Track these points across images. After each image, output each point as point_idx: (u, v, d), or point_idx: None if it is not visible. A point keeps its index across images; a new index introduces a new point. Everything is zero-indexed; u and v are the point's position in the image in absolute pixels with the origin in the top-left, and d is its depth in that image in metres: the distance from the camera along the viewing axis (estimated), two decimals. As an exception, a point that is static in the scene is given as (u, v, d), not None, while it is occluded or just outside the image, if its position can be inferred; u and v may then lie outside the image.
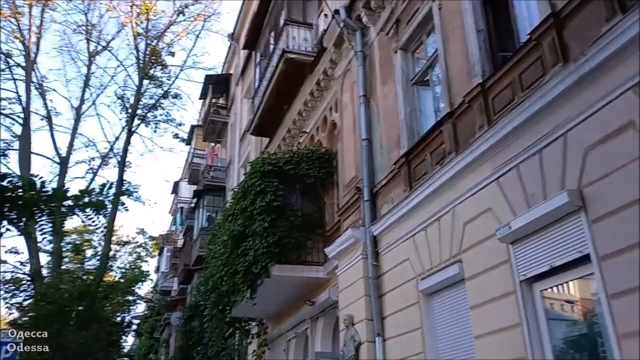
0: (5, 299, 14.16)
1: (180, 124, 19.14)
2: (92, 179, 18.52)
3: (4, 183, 4.44)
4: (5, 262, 15.11)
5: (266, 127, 12.58)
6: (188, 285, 21.89)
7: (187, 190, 28.03)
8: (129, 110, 17.83)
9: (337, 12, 8.79)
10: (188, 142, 25.61)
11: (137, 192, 19.50)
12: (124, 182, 17.66)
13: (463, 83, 5.84)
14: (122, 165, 17.48)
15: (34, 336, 13.71)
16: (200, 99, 23.36)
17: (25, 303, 14.42)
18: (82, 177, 19.03)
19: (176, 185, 30.28)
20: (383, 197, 7.46)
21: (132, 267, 32.73)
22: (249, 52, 17.54)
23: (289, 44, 10.58)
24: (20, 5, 17.23)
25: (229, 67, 21.97)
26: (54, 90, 23.05)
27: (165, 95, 18.28)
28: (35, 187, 4.51)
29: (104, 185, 4.79)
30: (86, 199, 4.67)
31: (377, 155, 7.81)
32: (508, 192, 4.95)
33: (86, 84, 18.72)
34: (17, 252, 15.61)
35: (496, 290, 4.89)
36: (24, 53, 17.21)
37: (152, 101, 17.97)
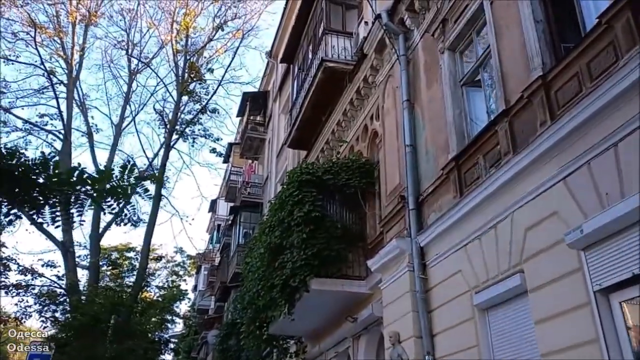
0: (40, 312, 14.27)
1: (217, 139, 19.13)
2: (131, 195, 18.69)
3: (14, 162, 3.95)
4: (42, 275, 15.29)
5: (304, 139, 12.33)
6: (225, 303, 21.67)
7: (224, 208, 28.07)
8: (168, 126, 17.98)
9: (379, 16, 8.51)
10: (226, 159, 25.71)
11: (167, 182, 19.20)
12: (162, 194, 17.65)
13: (520, 78, 5.39)
14: (160, 180, 17.55)
15: (66, 349, 13.69)
16: (237, 116, 23.48)
17: (60, 317, 14.43)
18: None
19: (214, 204, 30.40)
20: (430, 205, 7.00)
21: (171, 286, 32.89)
22: (287, 68, 17.50)
23: (328, 53, 10.35)
24: (64, 25, 17.83)
25: (266, 84, 22.02)
26: (95, 107, 23.58)
27: (203, 110, 18.39)
28: (49, 167, 4.04)
29: (124, 166, 4.44)
30: (107, 185, 4.21)
31: (422, 161, 7.38)
32: (577, 193, 4.44)
33: (126, 101, 19.09)
34: (53, 266, 15.79)
35: (566, 303, 4.35)
36: (66, 71, 17.71)
37: (191, 116, 18.06)
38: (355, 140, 10.17)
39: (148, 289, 25.02)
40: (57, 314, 14.26)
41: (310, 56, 11.76)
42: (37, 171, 4.04)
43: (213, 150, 19.05)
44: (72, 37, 17.91)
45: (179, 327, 36.27)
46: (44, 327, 14.28)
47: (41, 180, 4.07)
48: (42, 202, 4.23)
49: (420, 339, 6.42)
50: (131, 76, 19.13)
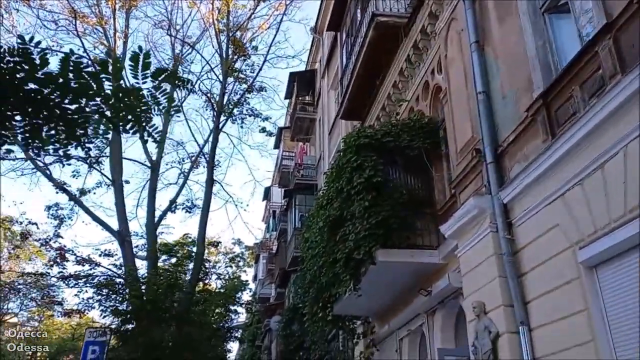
0: (100, 302, 14.30)
1: (267, 118, 18.47)
2: (184, 183, 18.58)
3: None
4: (99, 264, 15.32)
5: (357, 109, 11.53)
6: (285, 289, 21.34)
7: (278, 195, 27.76)
8: (215, 108, 17.63)
9: (434, -46, 7.59)
10: (276, 145, 25.30)
11: (219, 167, 18.64)
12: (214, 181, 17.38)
13: (626, -18, 4.39)
14: (211, 164, 17.29)
15: (123, 335, 13.56)
16: (285, 98, 22.94)
17: (120, 307, 14.42)
18: (174, 183, 19.14)
19: (267, 192, 30.16)
20: (512, 156, 6.07)
21: (231, 277, 33.10)
22: (333, 41, 16.74)
23: (379, 7, 9.49)
24: (105, 12, 17.75)
25: (313, 62, 21.34)
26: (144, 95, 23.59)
27: (250, 89, 17.90)
28: (35, 65, 3.21)
29: (135, 58, 3.72)
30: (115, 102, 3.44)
31: (498, 108, 6.45)
32: None
33: (173, 88, 18.85)
34: (110, 255, 15.86)
35: None
36: (110, 60, 17.55)
37: (238, 97, 17.64)
38: (415, 100, 9.28)
39: (209, 280, 25.16)
40: (117, 304, 14.28)
41: (359, 16, 10.92)
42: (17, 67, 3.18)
43: (263, 130, 18.54)
44: (114, 23, 17.88)
45: (242, 317, 36.62)
46: (104, 317, 14.37)
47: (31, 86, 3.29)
48: (36, 121, 3.47)
49: (510, 308, 5.55)
50: (176, 62, 18.93)
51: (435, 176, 8.26)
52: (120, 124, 3.86)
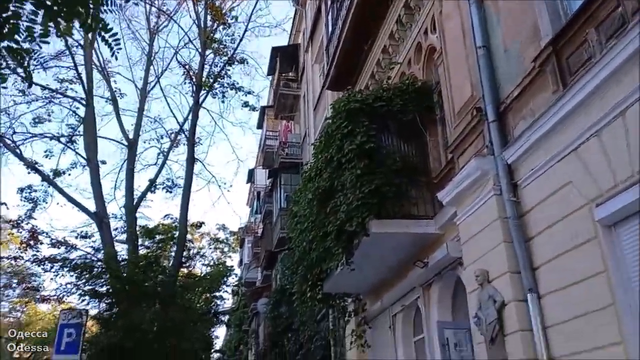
0: (77, 285, 13.65)
1: (249, 92, 17.65)
2: (163, 163, 17.86)
3: None
4: (75, 247, 14.60)
5: (344, 78, 10.95)
6: (272, 270, 20.91)
7: (263, 177, 27.19)
8: (194, 80, 16.90)
9: None
10: (259, 125, 24.65)
11: (200, 144, 17.89)
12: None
13: None
14: (192, 141, 16.60)
15: (104, 318, 12.90)
16: (268, 75, 22.23)
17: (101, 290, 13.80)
18: (154, 164, 18.34)
19: (251, 174, 29.56)
20: (516, 113, 5.63)
21: (216, 263, 32.57)
22: (316, 12, 16.12)
23: (367, -35, 8.92)
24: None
25: (295, 36, 20.65)
26: (118, 73, 22.35)
27: (230, 61, 17.16)
28: None
29: None
30: None
31: (500, 63, 5.98)
32: None
33: (149, 62, 18.13)
34: (87, 237, 15.17)
35: None
36: (82, 32, 16.73)
37: (218, 69, 16.89)
38: (407, 64, 8.79)
39: (193, 266, 24.61)
40: (96, 287, 13.67)
41: (345, -21, 10.33)
42: None
43: (245, 104, 17.78)
44: None
45: (228, 302, 36.19)
46: (82, 301, 13.75)
47: None
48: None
49: (517, 274, 5.16)
50: (152, 35, 18.13)
51: (430, 142, 7.81)
52: (62, 14, 3.22)
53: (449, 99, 7.00)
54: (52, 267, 13.66)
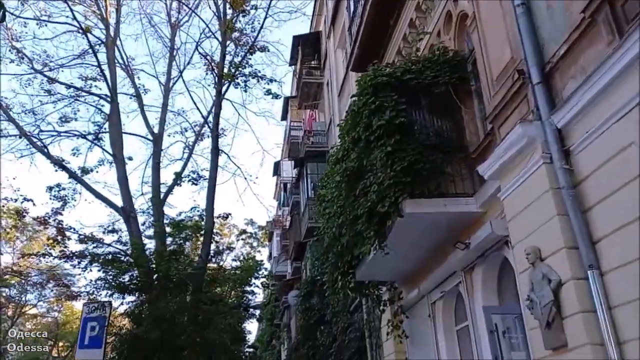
0: (105, 279, 13.53)
1: (271, 80, 17.20)
2: (189, 157, 17.70)
3: None
4: (101, 241, 14.50)
5: (369, 57, 10.32)
6: (301, 262, 20.60)
7: (289, 168, 26.84)
8: (216, 71, 16.63)
9: None
10: (284, 116, 24.27)
11: (224, 136, 17.66)
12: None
13: None
14: (216, 132, 16.35)
15: (136, 314, 12.74)
16: (290, 65, 21.82)
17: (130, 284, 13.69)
18: (179, 159, 18.17)
19: (277, 166, 29.24)
20: (564, 72, 5.07)
21: (246, 258, 32.49)
22: (337, -4, 15.60)
23: None
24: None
25: (317, 24, 20.18)
26: (142, 70, 22.23)
27: (252, 50, 16.81)
28: None
29: None
30: None
31: (542, 22, 5.42)
32: None
33: (172, 57, 17.96)
34: (115, 231, 15.10)
35: None
36: (104, 29, 16.70)
37: (239, 59, 16.56)
38: (436, 36, 8.24)
39: (223, 261, 24.49)
40: (124, 281, 13.58)
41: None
42: None
43: (268, 92, 17.39)
44: None
45: (259, 297, 36.12)
46: (110, 295, 13.64)
47: None
48: None
49: (575, 250, 4.63)
50: (173, 30, 17.93)
51: (466, 116, 7.27)
52: None
53: (486, 66, 6.46)
54: (79, 263, 13.61)
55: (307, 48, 19.61)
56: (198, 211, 16.46)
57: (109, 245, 14.54)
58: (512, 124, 5.65)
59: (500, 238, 6.15)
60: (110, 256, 13.89)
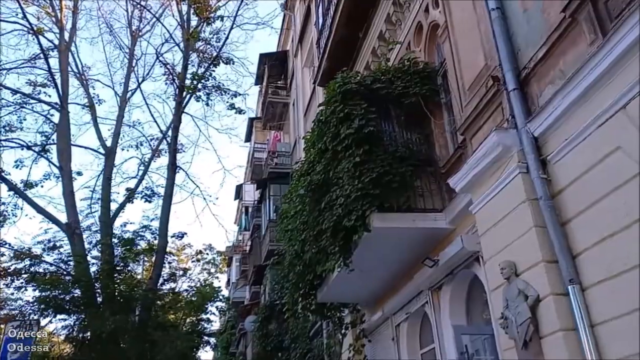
0: (41, 298, 12.32)
1: (236, 94, 16.64)
2: (144, 173, 16.76)
3: None
4: (39, 257, 13.22)
5: (337, 71, 10.18)
6: (260, 286, 19.83)
7: (251, 193, 26.24)
8: (176, 81, 15.96)
9: None
10: (247, 138, 23.81)
11: (183, 151, 17.04)
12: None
13: None
14: (174, 146, 15.64)
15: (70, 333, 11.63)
16: (256, 83, 21.47)
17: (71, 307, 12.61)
18: (134, 177, 16.95)
19: (239, 190, 28.59)
20: (541, 78, 4.86)
21: (203, 285, 31.32)
22: (306, 13, 15.49)
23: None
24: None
25: (284, 43, 20.00)
26: (98, 80, 20.99)
27: (216, 62, 16.24)
28: None
29: None
30: None
31: (518, 28, 5.24)
32: None
33: (130, 68, 17.17)
34: (55, 248, 13.83)
35: None
36: (57, 33, 15.79)
37: (202, 70, 15.94)
38: (407, 48, 8.05)
39: (177, 286, 23.36)
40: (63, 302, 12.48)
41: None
42: None
43: (231, 107, 16.81)
44: None
45: (215, 325, 34.78)
46: (43, 316, 12.49)
47: None
48: None
49: (554, 264, 4.32)
50: (134, 39, 17.25)
51: (436, 129, 7.02)
52: None
53: (458, 76, 6.23)
54: (12, 281, 12.45)
55: (274, 67, 19.35)
56: (150, 230, 15.54)
57: (50, 264, 13.39)
58: (485, 134, 5.37)
59: (470, 254, 5.82)
60: (49, 275, 12.78)
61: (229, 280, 36.23)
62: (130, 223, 15.27)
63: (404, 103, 6.88)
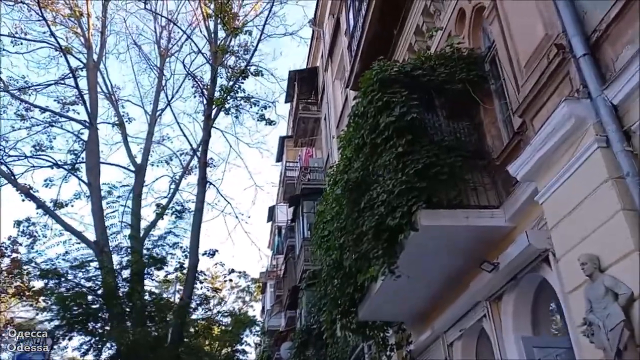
0: (69, 324, 11.91)
1: (266, 106, 16.33)
2: (175, 190, 16.46)
3: None
4: (64, 277, 12.76)
5: (371, 73, 9.67)
6: (296, 310, 19.05)
7: (284, 214, 25.73)
8: (205, 93, 15.72)
9: None
10: (279, 158, 23.43)
11: (213, 167, 16.59)
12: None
13: None
14: (204, 160, 15.31)
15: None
16: (286, 102, 21.16)
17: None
18: (165, 197, 16.65)
19: (271, 212, 28.14)
20: (615, 39, 4.15)
21: (238, 314, 30.70)
22: (335, 26, 15.14)
23: None
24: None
25: (314, 59, 19.70)
26: (128, 100, 21.06)
27: (244, 74, 15.94)
28: None
29: None
30: None
31: (581, -11, 4.57)
32: None
33: (159, 86, 17.08)
34: (81, 267, 13.41)
35: None
36: (85, 51, 15.89)
37: (231, 83, 15.62)
38: (447, 36, 7.42)
39: (212, 312, 22.81)
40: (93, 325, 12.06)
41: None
42: None
43: (262, 118, 16.40)
44: (87, 7, 16.12)
45: (251, 357, 33.93)
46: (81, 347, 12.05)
47: None
48: None
49: (651, 254, 3.52)
50: (163, 58, 17.26)
51: (486, 119, 6.31)
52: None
53: (511, 55, 5.55)
54: (36, 300, 12.13)
55: (304, 84, 19.00)
56: (181, 248, 15.10)
57: (76, 284, 13.02)
58: (550, 111, 4.65)
59: (537, 254, 5.02)
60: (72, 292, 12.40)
61: (263, 308, 35.49)
62: (162, 240, 14.87)
63: (449, 90, 6.21)
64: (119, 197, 15.16)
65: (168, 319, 13.04)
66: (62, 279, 12.84)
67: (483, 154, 6.10)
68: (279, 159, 23.41)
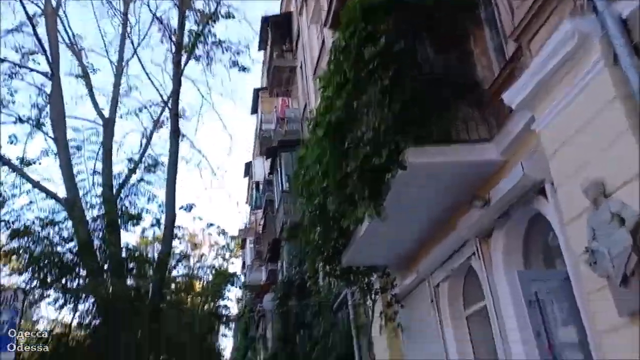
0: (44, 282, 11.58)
1: (238, 52, 15.72)
2: (147, 144, 15.76)
3: None
4: (37, 233, 12.20)
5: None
6: (277, 262, 18.99)
7: (261, 169, 25.30)
8: (173, 39, 14.88)
9: None
10: (253, 110, 22.78)
11: (185, 119, 16.00)
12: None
13: None
14: (175, 110, 14.65)
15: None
16: (259, 49, 20.33)
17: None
18: (137, 153, 15.97)
19: (248, 167, 27.68)
20: (625, -56, 3.77)
21: (218, 271, 30.67)
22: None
23: None
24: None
25: (287, 3, 18.82)
26: (92, 50, 19.80)
27: (214, 17, 15.07)
28: None
29: None
30: None
31: None
32: None
33: (124, 30, 16.07)
34: (53, 223, 12.85)
35: None
36: None
37: (200, 27, 14.72)
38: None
39: (190, 270, 22.70)
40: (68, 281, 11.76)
41: None
42: None
43: (234, 64, 15.68)
44: None
45: (233, 312, 34.22)
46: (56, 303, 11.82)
47: None
48: None
49: (661, 176, 3.28)
50: (126, 1, 16.15)
51: (476, 49, 5.95)
52: None
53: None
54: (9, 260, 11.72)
55: (278, 30, 18.19)
56: (157, 202, 14.62)
57: (50, 242, 12.55)
58: (550, 32, 4.30)
59: (531, 185, 4.79)
60: (47, 252, 11.98)
61: (244, 263, 35.54)
62: (135, 188, 14.34)
63: (437, 19, 5.79)
64: (89, 152, 14.47)
65: (148, 275, 12.76)
66: (34, 238, 12.33)
67: (473, 87, 5.75)
68: (254, 111, 22.77)
